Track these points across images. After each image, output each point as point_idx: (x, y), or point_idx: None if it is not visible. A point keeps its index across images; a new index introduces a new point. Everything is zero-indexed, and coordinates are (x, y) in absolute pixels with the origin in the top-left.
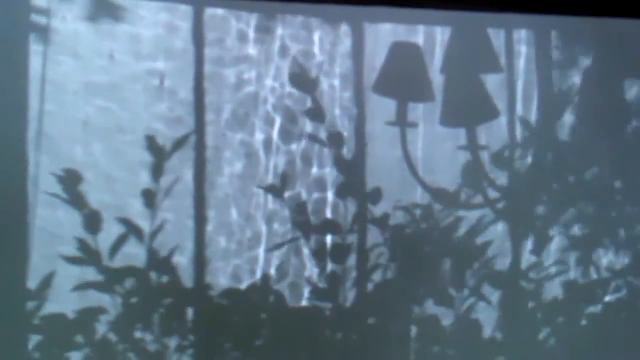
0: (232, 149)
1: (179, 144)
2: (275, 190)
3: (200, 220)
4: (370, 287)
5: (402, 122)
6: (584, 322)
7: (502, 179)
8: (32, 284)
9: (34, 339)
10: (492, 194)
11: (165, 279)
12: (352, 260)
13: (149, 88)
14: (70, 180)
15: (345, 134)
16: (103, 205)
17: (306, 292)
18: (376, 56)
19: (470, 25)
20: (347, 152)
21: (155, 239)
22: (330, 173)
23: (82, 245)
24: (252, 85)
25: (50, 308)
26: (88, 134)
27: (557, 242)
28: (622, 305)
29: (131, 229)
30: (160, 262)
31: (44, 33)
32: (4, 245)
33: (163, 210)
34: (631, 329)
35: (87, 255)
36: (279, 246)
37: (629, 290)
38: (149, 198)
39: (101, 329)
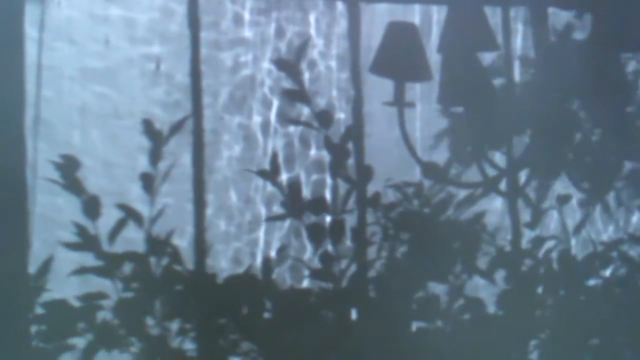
0: (230, 132)
1: (176, 127)
2: (267, 175)
3: (200, 203)
4: (369, 265)
5: (399, 102)
6: (581, 296)
7: (499, 156)
8: (33, 269)
9: (35, 325)
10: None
11: (165, 263)
12: (355, 240)
13: (145, 72)
14: (68, 166)
15: (342, 115)
16: (101, 191)
17: (307, 273)
18: (372, 36)
19: (466, 3)
20: (340, 132)
21: (154, 224)
22: (328, 154)
23: (81, 230)
24: (249, 68)
25: (51, 294)
26: (85, 119)
27: (554, 217)
28: (618, 277)
29: (130, 214)
30: (162, 246)
31: (39, 19)
32: (4, 231)
33: (162, 195)
34: (629, 301)
35: (86, 241)
36: (270, 219)
37: (625, 262)
38: (147, 182)
39: (102, 313)
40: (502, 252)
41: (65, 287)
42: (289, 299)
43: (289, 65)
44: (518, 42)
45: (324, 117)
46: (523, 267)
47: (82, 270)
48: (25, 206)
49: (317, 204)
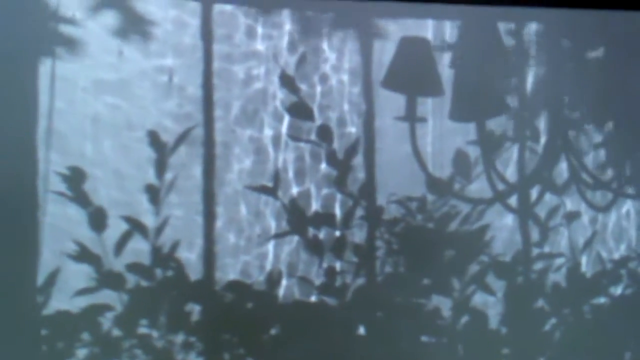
0: (240, 145)
1: (181, 138)
2: (268, 190)
3: (209, 216)
4: (375, 281)
5: (411, 117)
6: (588, 314)
7: (510, 172)
8: (42, 280)
9: (42, 335)
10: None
11: (171, 275)
12: (360, 255)
13: (158, 84)
14: (75, 178)
15: (354, 129)
16: (112, 202)
17: (313, 287)
18: (385, 51)
19: (480, 19)
20: (340, 148)
21: (162, 235)
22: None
23: (82, 248)
24: (261, 81)
25: (58, 304)
26: (97, 130)
27: (563, 233)
28: (626, 296)
29: (136, 226)
30: (167, 258)
31: (53, 30)
32: (14, 241)
33: (172, 206)
34: (636, 319)
35: (90, 257)
36: (276, 236)
37: (633, 280)
38: (153, 194)
39: (107, 325)
40: (497, 261)
41: (72, 297)
42: (293, 313)
43: (288, 79)
44: (531, 58)
45: (324, 132)
46: (525, 281)
47: (85, 291)
48: (35, 216)
49: (320, 219)
